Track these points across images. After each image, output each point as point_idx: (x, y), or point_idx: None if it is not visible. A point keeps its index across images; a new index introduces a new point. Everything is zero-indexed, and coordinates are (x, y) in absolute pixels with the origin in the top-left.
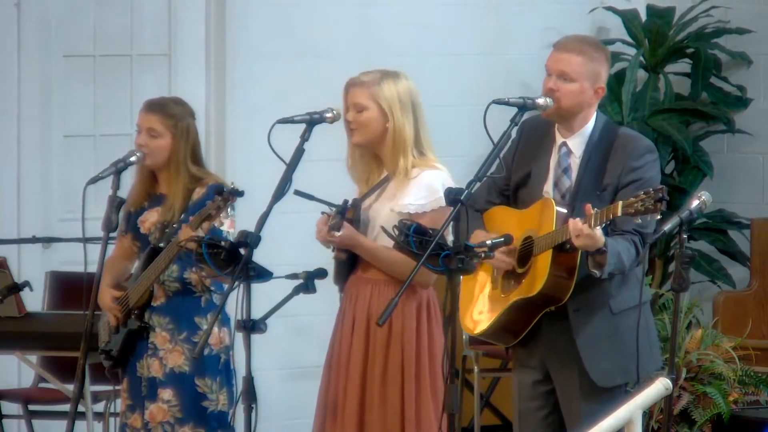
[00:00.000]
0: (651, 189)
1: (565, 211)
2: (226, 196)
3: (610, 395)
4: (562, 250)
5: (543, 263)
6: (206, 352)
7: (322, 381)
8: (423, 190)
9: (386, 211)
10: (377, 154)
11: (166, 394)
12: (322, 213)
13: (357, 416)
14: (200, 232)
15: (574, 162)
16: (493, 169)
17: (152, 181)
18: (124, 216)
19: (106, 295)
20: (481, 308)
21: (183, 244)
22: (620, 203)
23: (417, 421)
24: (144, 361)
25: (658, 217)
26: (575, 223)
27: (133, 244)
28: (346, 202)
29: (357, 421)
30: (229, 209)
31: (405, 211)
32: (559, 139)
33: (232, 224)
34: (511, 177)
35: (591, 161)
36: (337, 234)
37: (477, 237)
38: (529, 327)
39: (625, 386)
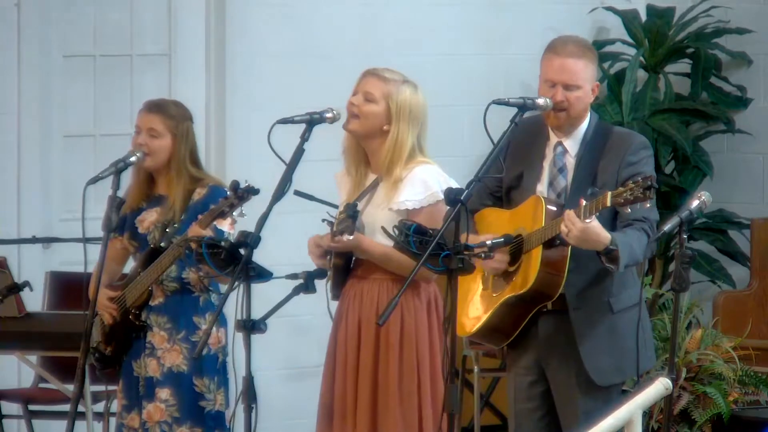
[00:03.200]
0: (639, 178)
1: (555, 208)
2: (240, 193)
3: (607, 394)
4: (553, 246)
5: (534, 260)
6: (204, 351)
7: (323, 383)
8: (418, 185)
9: (383, 212)
10: (366, 151)
11: (164, 393)
12: (323, 220)
13: (370, 417)
14: (209, 231)
15: (570, 161)
16: (492, 169)
17: (149, 183)
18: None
19: (101, 295)
20: (472, 309)
21: (185, 242)
22: (609, 193)
23: (435, 417)
24: (141, 360)
25: (648, 205)
26: (569, 213)
27: (130, 243)
28: (355, 205)
29: (370, 422)
30: (242, 207)
31: (403, 208)
32: (554, 139)
33: (232, 225)
34: (502, 178)
35: (584, 160)
36: (350, 237)
37: (471, 240)
38: (521, 326)
39: (622, 385)
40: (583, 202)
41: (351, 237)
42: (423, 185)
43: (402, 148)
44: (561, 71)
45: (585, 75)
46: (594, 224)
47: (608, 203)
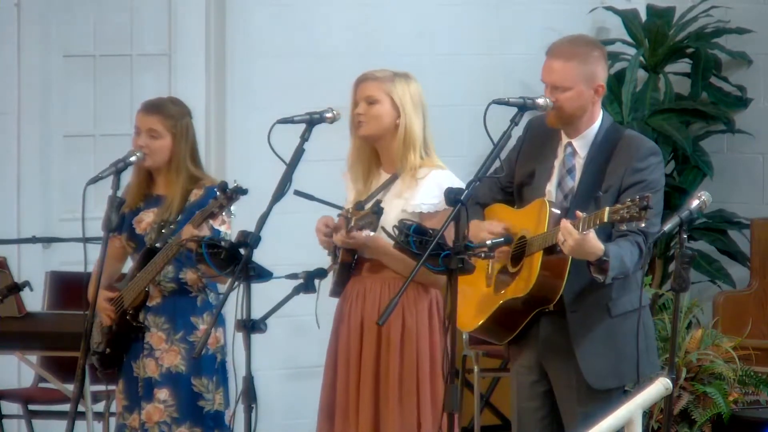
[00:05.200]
0: (637, 197)
1: (559, 212)
2: (229, 193)
3: (607, 397)
4: (553, 251)
5: (535, 264)
6: (203, 351)
7: (324, 381)
8: (434, 189)
9: (396, 211)
10: (379, 152)
11: (163, 394)
12: (339, 215)
13: (372, 415)
14: (203, 230)
15: (579, 163)
16: (492, 169)
17: (148, 183)
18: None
19: (100, 296)
20: (474, 306)
21: (183, 243)
22: (607, 209)
23: (434, 417)
24: (140, 361)
25: (642, 224)
26: (567, 225)
27: (128, 244)
28: (378, 202)
29: (372, 420)
30: (232, 209)
31: (417, 211)
32: (565, 139)
33: (228, 226)
34: (514, 175)
35: (592, 162)
36: (371, 234)
37: (473, 227)
38: (521, 326)
39: (622, 389)
40: (581, 215)
41: (373, 233)
42: (439, 190)
43: (413, 135)
44: (546, 72)
45: (572, 75)
46: (590, 236)
47: (605, 219)
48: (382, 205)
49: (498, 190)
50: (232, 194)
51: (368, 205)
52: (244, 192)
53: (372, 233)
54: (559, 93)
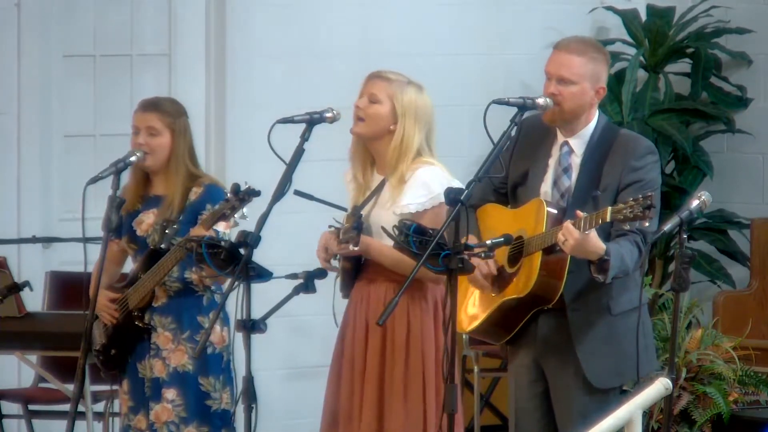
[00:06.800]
0: (640, 196)
1: (556, 211)
2: (242, 195)
3: (605, 397)
4: (553, 251)
5: (534, 264)
6: (209, 351)
7: (329, 384)
8: (420, 188)
9: (387, 215)
10: (372, 153)
11: (171, 393)
12: (330, 227)
13: (376, 418)
14: (212, 232)
15: (575, 162)
16: (492, 169)
17: (146, 183)
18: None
19: (101, 296)
20: (472, 306)
21: (185, 244)
22: (609, 209)
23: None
24: (146, 362)
25: (646, 224)
26: (567, 225)
27: (129, 246)
28: (360, 216)
29: (377, 423)
30: (244, 211)
31: (406, 212)
32: (561, 139)
33: (228, 226)
34: (508, 176)
35: (589, 161)
36: (355, 248)
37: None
38: (519, 326)
39: (619, 388)
40: (582, 215)
41: (356, 248)
42: (425, 188)
43: (408, 146)
44: (556, 64)
45: (582, 71)
46: (591, 236)
47: (608, 218)
48: (364, 211)
49: (491, 191)
50: (244, 196)
51: (363, 212)
52: (257, 194)
53: (355, 248)
54: (563, 86)
